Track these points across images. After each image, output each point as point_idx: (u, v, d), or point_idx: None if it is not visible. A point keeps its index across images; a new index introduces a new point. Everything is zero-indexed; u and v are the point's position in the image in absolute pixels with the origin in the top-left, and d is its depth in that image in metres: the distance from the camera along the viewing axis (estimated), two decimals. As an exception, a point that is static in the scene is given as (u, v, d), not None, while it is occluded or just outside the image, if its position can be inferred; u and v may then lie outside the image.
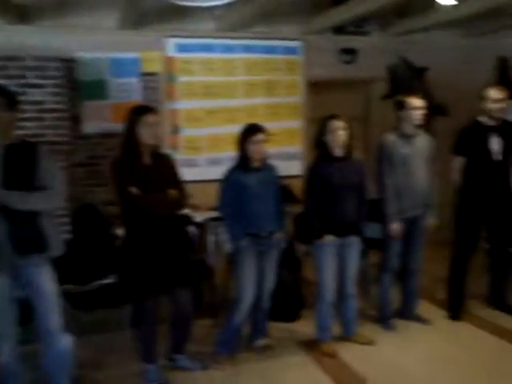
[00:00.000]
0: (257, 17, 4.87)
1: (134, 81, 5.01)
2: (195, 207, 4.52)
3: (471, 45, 5.91)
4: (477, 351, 3.51)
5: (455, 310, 4.05)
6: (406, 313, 4.00)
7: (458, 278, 4.04)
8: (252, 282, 3.30)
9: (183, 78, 5.16)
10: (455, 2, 3.81)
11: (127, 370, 3.29)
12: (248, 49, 5.30)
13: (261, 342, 3.58)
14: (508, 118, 3.95)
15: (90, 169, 4.92)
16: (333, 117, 3.37)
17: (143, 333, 3.08)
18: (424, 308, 4.10)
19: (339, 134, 3.31)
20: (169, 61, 5.11)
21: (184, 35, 5.11)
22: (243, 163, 3.30)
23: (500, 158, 3.83)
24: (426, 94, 5.06)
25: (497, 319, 3.99)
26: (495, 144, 3.83)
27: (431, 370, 3.28)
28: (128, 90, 4.97)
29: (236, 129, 3.39)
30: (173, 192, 2.98)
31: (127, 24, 4.77)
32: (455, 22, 5.02)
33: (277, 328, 3.85)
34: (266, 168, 3.38)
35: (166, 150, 4.73)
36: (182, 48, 5.12)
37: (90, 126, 4.90)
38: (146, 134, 2.92)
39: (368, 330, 3.80)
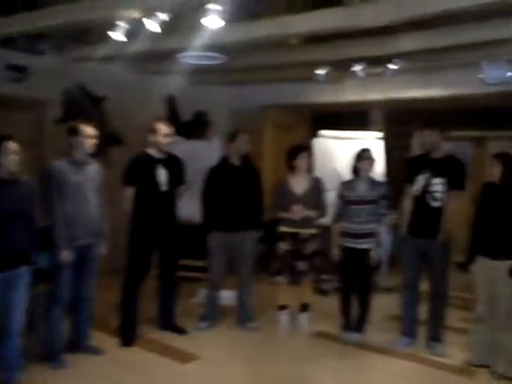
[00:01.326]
0: None
1: None
2: None
3: (146, 81, 6.28)
4: (147, 374, 3.63)
5: (127, 336, 4.11)
6: (79, 345, 3.86)
7: (130, 303, 4.13)
8: None
9: None
10: (125, 39, 4.00)
11: None
12: None
13: None
14: (174, 151, 4.28)
15: None
16: (6, 138, 3.08)
17: None
18: (97, 338, 4.03)
19: (13, 157, 3.06)
20: None
21: None
22: None
23: (166, 188, 4.12)
24: (102, 123, 5.12)
25: (166, 340, 4.21)
26: (162, 175, 4.10)
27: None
28: None
29: None
30: None
31: None
32: (131, 57, 5.21)
33: None
34: None
35: None
36: None
37: None
38: None
39: (35, 371, 3.49)
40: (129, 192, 4.07)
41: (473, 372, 3.74)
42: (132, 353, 3.97)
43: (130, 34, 4.06)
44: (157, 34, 3.94)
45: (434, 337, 4.08)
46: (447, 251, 4.01)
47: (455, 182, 3.95)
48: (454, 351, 4.01)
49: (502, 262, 3.53)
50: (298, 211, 4.29)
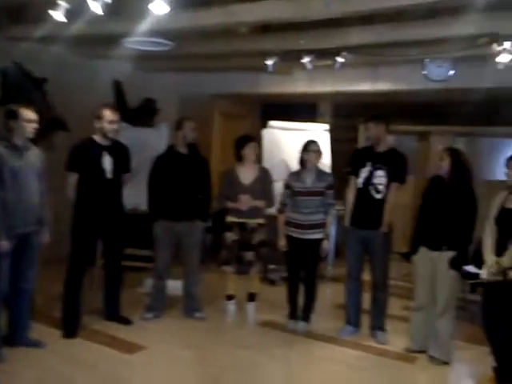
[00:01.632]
0: None
1: None
2: None
3: (90, 65, 6.07)
4: (92, 366, 3.54)
5: (70, 327, 3.99)
6: (17, 338, 3.69)
7: (73, 293, 4.01)
8: None
9: None
10: (65, 20, 3.84)
11: None
12: None
13: None
14: (120, 138, 4.18)
15: None
16: None
17: None
18: (38, 330, 3.88)
19: None
20: None
21: None
22: None
23: (111, 176, 4.02)
24: (44, 107, 4.91)
25: (111, 330, 4.12)
26: (107, 163, 4.00)
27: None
28: None
29: None
30: None
31: None
32: (72, 39, 4.98)
33: None
34: None
35: None
36: None
37: None
38: None
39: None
40: (72, 179, 3.95)
41: (413, 358, 3.87)
42: (76, 344, 3.86)
43: (71, 15, 3.89)
44: (100, 16, 3.78)
45: (377, 325, 4.20)
46: (388, 242, 4.13)
47: (396, 174, 4.07)
48: (396, 338, 4.13)
49: (443, 252, 3.67)
50: (246, 201, 4.29)
